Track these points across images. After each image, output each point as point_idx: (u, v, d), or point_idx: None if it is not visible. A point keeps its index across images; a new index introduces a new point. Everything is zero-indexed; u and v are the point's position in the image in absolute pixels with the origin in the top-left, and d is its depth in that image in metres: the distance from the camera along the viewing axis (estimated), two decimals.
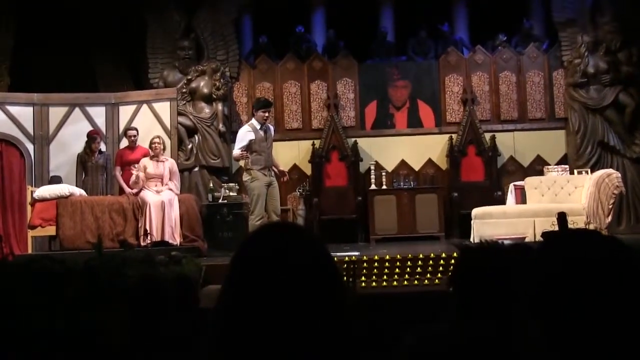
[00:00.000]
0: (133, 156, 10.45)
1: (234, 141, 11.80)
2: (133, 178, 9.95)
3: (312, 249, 1.36)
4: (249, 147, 8.98)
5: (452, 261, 7.99)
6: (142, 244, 9.60)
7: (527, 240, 9.33)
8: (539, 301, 1.29)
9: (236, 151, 9.03)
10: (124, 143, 11.03)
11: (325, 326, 1.28)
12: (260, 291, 1.29)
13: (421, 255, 8.40)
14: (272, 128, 9.43)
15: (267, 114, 9.15)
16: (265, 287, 1.29)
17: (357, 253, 8.90)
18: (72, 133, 11.23)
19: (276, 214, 8.93)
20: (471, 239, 9.77)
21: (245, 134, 9.10)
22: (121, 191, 10.40)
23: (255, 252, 1.34)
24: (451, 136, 12.13)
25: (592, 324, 1.26)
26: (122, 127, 11.42)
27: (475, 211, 10.09)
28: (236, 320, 1.29)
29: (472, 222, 10.03)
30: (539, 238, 9.14)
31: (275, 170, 9.19)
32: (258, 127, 9.06)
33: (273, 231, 1.40)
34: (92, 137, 10.75)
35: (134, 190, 10.03)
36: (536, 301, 1.29)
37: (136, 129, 10.79)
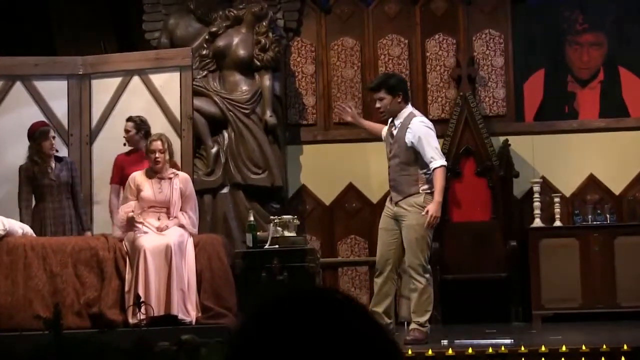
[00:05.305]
0: (139, 167, 10.61)
1: (292, 142, 11.77)
2: (121, 215, 10.14)
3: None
4: None
5: None
6: (132, 320, 9.66)
7: None
8: None
9: None
10: (111, 145, 11.12)
11: None
12: None
13: (626, 348, 8.47)
14: (413, 128, 9.64)
15: (376, 103, 9.84)
16: None
17: (509, 341, 9.15)
18: (9, 125, 11.34)
19: (398, 269, 9.77)
20: None
21: None
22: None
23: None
24: None
25: None
26: (97, 115, 11.54)
27: None
28: None
29: None
30: None
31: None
32: (390, 122, 9.88)
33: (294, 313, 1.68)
34: (42, 131, 10.72)
35: (119, 231, 10.30)
36: None
37: (134, 121, 10.89)
